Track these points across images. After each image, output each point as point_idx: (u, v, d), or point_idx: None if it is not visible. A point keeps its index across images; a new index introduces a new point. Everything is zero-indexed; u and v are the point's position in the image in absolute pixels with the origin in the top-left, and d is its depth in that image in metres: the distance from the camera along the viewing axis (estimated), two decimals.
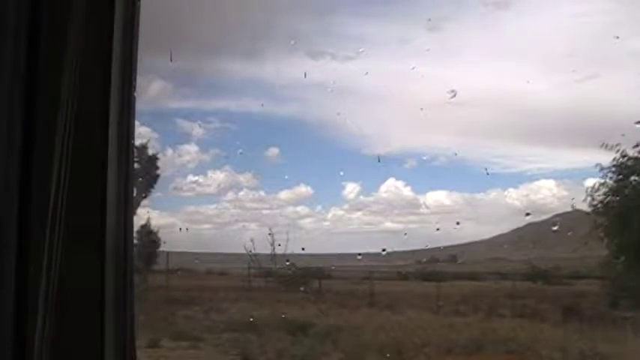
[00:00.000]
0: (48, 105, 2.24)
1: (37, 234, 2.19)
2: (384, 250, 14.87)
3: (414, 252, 19.13)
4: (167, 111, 19.70)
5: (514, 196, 22.42)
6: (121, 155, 2.41)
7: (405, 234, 23.47)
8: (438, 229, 14.74)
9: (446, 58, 16.61)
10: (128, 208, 2.45)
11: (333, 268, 21.12)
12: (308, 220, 23.58)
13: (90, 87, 2.32)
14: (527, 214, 23.96)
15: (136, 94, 2.51)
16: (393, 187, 22.73)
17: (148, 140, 17.24)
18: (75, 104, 2.27)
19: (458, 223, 16.90)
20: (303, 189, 23.05)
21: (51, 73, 2.26)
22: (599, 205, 15.50)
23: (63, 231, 2.22)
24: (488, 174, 21.99)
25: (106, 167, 2.33)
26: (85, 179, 2.31)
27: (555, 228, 18.25)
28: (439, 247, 20.26)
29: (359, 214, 24.00)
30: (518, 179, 26.35)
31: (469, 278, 22.77)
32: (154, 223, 17.96)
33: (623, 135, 14.78)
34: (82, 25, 2.30)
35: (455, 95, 12.26)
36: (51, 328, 2.19)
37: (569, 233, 17.24)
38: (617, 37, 14.65)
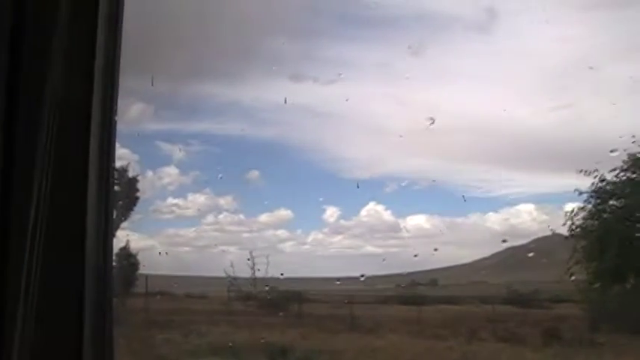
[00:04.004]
0: (28, 128, 2.24)
1: (17, 245, 2.18)
2: (362, 275, 14.90)
3: (394, 276, 19.17)
4: (148, 133, 19.64)
5: (494, 220, 22.56)
6: (101, 177, 2.40)
7: (384, 259, 23.51)
8: (417, 255, 14.85)
9: (426, 83, 16.76)
10: (108, 231, 2.44)
11: (313, 291, 21.09)
12: (288, 243, 23.59)
13: (70, 110, 2.31)
14: (504, 241, 24.13)
15: (116, 118, 2.50)
16: (373, 211, 22.80)
17: (129, 163, 17.18)
18: (56, 126, 2.26)
19: (436, 250, 16.95)
20: (284, 212, 23.07)
21: (31, 97, 2.25)
22: (578, 230, 15.61)
23: (43, 245, 2.21)
24: (465, 200, 22.06)
25: (86, 189, 2.32)
26: (65, 201, 2.29)
27: (531, 255, 18.39)
28: (420, 271, 20.32)
29: (339, 237, 24.04)
30: (498, 203, 26.53)
31: (450, 302, 22.80)
32: (134, 245, 17.87)
33: (597, 163, 14.97)
34: (63, 49, 2.30)
35: (433, 122, 12.40)
36: (30, 339, 2.18)
37: (548, 258, 17.33)
38: (591, 68, 14.91)
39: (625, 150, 14.71)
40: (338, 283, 17.19)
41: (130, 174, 17.77)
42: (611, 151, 14.11)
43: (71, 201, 2.31)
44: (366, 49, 18.69)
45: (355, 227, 24.38)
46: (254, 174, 21.98)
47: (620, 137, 14.19)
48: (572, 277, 15.20)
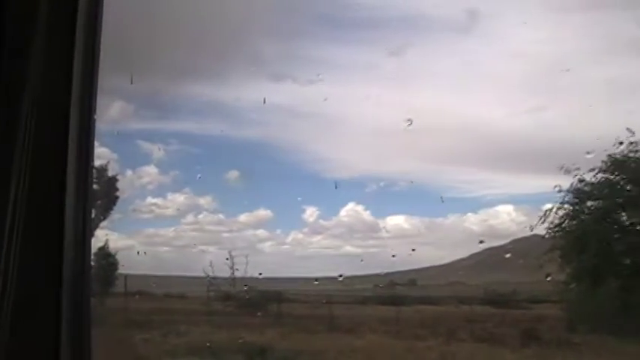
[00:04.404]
0: (6, 127, 2.22)
1: None
2: (340, 276, 14.92)
3: (373, 276, 19.15)
4: (127, 132, 19.53)
5: (473, 221, 22.65)
6: (80, 176, 2.39)
7: (362, 260, 23.51)
8: (395, 255, 14.92)
9: (405, 84, 16.79)
10: (86, 231, 2.43)
11: (292, 291, 21.07)
12: (268, 243, 23.56)
13: (49, 109, 2.30)
14: (481, 242, 24.23)
15: (95, 117, 2.49)
16: (353, 212, 22.80)
17: (108, 161, 17.08)
18: (34, 125, 2.25)
19: (413, 250, 17.06)
20: (263, 212, 23.02)
21: (11, 96, 2.24)
22: (556, 230, 15.68)
23: (21, 244, 2.19)
24: (443, 201, 22.14)
25: (64, 188, 2.31)
26: (43, 200, 2.28)
27: (510, 255, 18.47)
28: (399, 272, 20.34)
29: (319, 237, 24.02)
30: (477, 204, 26.56)
31: (429, 302, 22.81)
32: (113, 245, 17.78)
33: (573, 164, 15.09)
34: (42, 47, 2.29)
35: (411, 123, 12.46)
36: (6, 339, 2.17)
37: (526, 259, 17.40)
38: (567, 70, 15.04)
39: (605, 150, 14.85)
40: (316, 283, 17.20)
41: (110, 173, 17.71)
42: (587, 153, 14.26)
43: (49, 200, 2.30)
44: (348, 50, 18.71)
45: (335, 227, 24.38)
46: (234, 174, 21.92)
47: (597, 139, 14.33)
48: (549, 278, 15.27)
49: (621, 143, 14.85)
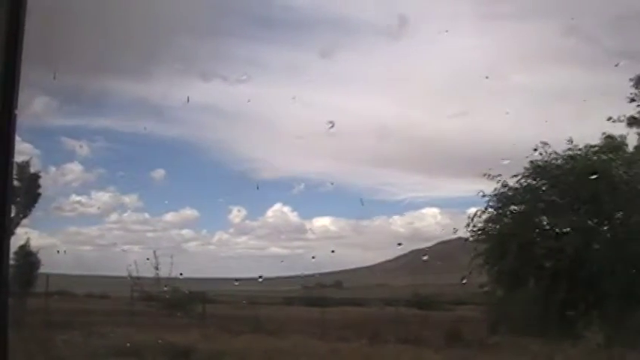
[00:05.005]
0: None
1: None
2: (260, 277, 14.91)
3: (299, 277, 19.19)
4: (51, 128, 19.12)
5: (399, 223, 22.91)
6: (0, 172, 2.32)
7: (282, 261, 23.62)
8: (314, 257, 15.02)
9: (331, 86, 16.90)
10: (5, 229, 2.36)
11: (217, 292, 20.96)
12: (193, 243, 23.47)
13: None
14: (399, 244, 24.54)
15: (17, 111, 2.42)
16: (279, 213, 22.84)
17: (30, 158, 16.68)
18: None
19: (333, 252, 17.17)
20: (189, 212, 22.92)
21: None
22: (480, 233, 15.93)
23: None
24: (363, 204, 22.43)
25: None
26: None
27: (435, 258, 18.73)
28: (325, 273, 20.42)
29: (245, 238, 24.02)
30: (403, 207, 26.90)
31: (354, 304, 22.97)
32: (34, 243, 17.35)
33: (490, 169, 15.37)
34: None
35: (333, 126, 12.58)
36: None
37: (450, 261, 17.65)
38: (487, 77, 15.34)
39: (527, 157, 15.17)
40: (236, 284, 17.12)
41: (32, 169, 17.27)
42: (503, 159, 14.62)
43: None
44: (276, 51, 18.72)
45: (261, 228, 24.41)
46: (159, 172, 21.73)
47: (514, 144, 14.67)
48: (464, 281, 15.47)
49: (535, 150, 15.23)
